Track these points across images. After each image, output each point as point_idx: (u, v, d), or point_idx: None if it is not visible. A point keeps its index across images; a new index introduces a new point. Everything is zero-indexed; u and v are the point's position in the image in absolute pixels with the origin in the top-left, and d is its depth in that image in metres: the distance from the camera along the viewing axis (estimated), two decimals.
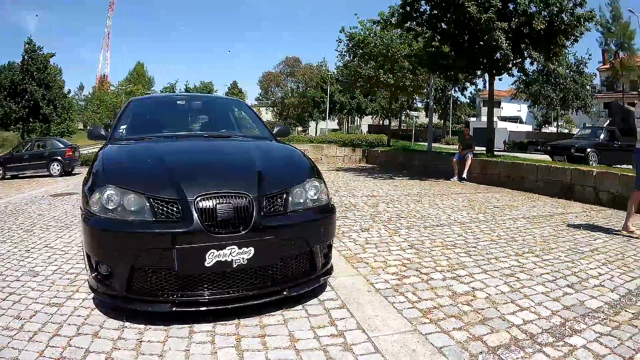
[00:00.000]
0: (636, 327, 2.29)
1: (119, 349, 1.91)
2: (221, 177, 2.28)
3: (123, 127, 3.17)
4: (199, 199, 2.04)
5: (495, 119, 39.52)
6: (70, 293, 2.64)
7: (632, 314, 2.47)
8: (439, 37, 11.44)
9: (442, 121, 43.59)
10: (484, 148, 11.71)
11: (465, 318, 2.42)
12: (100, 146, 3.05)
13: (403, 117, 44.61)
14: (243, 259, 2.01)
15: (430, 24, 11.70)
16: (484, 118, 42.02)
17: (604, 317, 2.42)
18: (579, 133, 14.85)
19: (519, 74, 12.10)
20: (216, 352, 1.90)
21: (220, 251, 1.96)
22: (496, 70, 11.46)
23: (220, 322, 2.18)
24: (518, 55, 10.79)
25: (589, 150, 12.17)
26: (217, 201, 2.04)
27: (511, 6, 10.05)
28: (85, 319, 2.23)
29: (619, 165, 11.67)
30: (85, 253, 2.18)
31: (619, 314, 2.46)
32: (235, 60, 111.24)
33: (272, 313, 2.31)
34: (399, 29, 14.51)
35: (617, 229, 4.87)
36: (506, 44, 9.84)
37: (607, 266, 3.40)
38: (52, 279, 2.91)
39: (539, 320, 2.39)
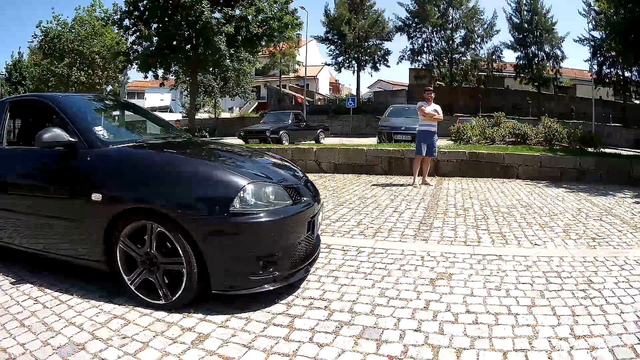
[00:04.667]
0: (451, 217, 5.48)
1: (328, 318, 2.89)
2: (288, 164, 3.95)
3: (100, 130, 3.74)
4: (303, 181, 3.52)
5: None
6: (169, 321, 2.83)
7: (442, 213, 5.70)
8: (147, 33, 16.73)
9: None
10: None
11: (380, 230, 4.76)
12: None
13: None
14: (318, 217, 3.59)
15: (147, 23, 16.54)
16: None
17: (436, 218, 5.49)
18: (265, 118, 20.91)
19: (215, 69, 18.94)
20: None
21: (319, 215, 3.52)
22: (201, 67, 17.48)
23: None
24: (232, 54, 16.51)
25: (281, 132, 17.70)
26: (305, 181, 3.62)
27: (231, 11, 15.58)
28: (250, 317, 2.84)
29: (304, 141, 18.29)
30: (250, 257, 2.89)
31: (435, 221, 5.61)
32: None
33: None
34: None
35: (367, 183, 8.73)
36: (224, 46, 15.07)
37: (396, 201, 6.72)
38: (124, 326, 2.81)
39: (408, 225, 5.10)
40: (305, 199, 3.30)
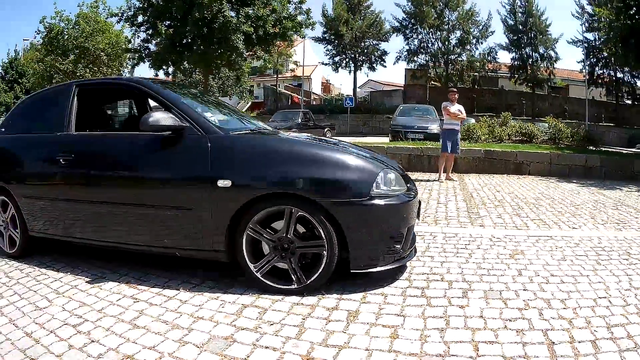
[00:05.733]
0: (491, 207, 6.32)
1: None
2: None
3: (211, 116, 3.78)
4: (404, 171, 3.94)
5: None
6: (309, 304, 2.93)
7: (482, 204, 6.53)
8: (163, 30, 17.36)
9: None
10: None
11: (438, 219, 5.56)
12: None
13: None
14: None
15: (161, 20, 17.25)
16: None
17: (479, 208, 6.32)
18: (274, 117, 21.56)
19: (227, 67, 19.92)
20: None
21: None
22: (215, 65, 18.66)
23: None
24: (248, 53, 17.72)
25: (292, 130, 18.46)
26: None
27: (251, 11, 16.63)
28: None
29: None
30: (388, 236, 3.16)
31: (480, 211, 6.44)
32: None
33: None
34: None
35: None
36: (242, 44, 15.97)
37: (434, 194, 7.52)
38: (262, 313, 2.86)
39: (458, 214, 5.90)
40: (410, 185, 3.59)
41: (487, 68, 34.18)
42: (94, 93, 4.53)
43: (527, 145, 12.28)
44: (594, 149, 12.57)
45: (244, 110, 44.69)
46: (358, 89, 40.79)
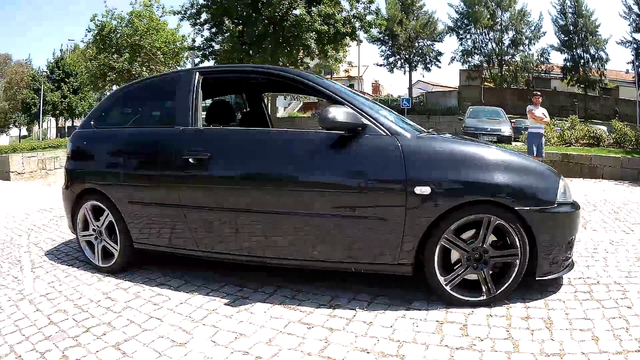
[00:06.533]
0: (589, 211, 7.34)
1: None
2: None
3: (387, 115, 3.42)
4: None
5: None
6: (502, 315, 2.90)
7: (580, 208, 7.59)
8: (231, 27, 17.45)
9: None
10: None
11: None
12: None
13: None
14: None
15: (229, 16, 17.37)
16: None
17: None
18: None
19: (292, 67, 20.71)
20: None
21: None
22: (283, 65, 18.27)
23: None
24: (320, 52, 17.85)
25: None
26: None
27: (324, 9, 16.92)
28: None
29: None
30: (566, 242, 3.19)
31: (583, 214, 7.51)
32: None
33: None
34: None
35: None
36: (314, 43, 16.41)
37: None
38: (463, 329, 2.72)
39: None
40: None
41: (539, 69, 34.67)
42: (213, 83, 4.00)
43: (595, 148, 12.94)
44: None
45: (295, 110, 45.78)
46: (407, 90, 41.71)
